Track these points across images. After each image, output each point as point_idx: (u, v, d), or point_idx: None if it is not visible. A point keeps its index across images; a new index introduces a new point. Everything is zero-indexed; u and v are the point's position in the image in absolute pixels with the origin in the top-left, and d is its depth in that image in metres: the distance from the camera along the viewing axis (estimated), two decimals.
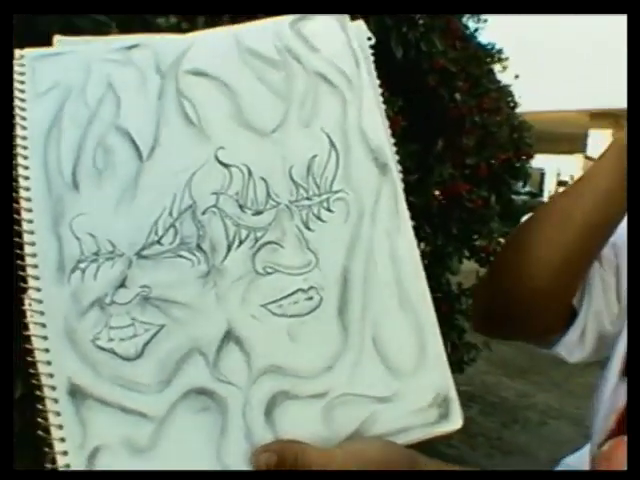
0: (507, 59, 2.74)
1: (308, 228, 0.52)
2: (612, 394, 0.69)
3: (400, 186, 0.55)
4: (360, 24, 0.59)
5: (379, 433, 0.50)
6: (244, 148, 0.53)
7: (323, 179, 0.53)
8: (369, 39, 0.58)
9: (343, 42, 0.57)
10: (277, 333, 0.50)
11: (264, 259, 0.51)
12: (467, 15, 2.43)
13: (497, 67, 2.65)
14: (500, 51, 2.69)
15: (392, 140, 0.56)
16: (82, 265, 0.48)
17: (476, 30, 2.51)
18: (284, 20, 0.58)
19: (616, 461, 0.67)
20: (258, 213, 0.51)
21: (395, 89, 1.46)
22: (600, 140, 13.07)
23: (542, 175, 18.22)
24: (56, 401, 0.46)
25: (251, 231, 0.51)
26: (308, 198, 0.52)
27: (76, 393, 0.46)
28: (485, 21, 2.54)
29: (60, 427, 0.46)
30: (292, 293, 0.51)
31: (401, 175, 0.55)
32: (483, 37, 2.61)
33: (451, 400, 0.52)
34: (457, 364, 2.37)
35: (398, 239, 0.53)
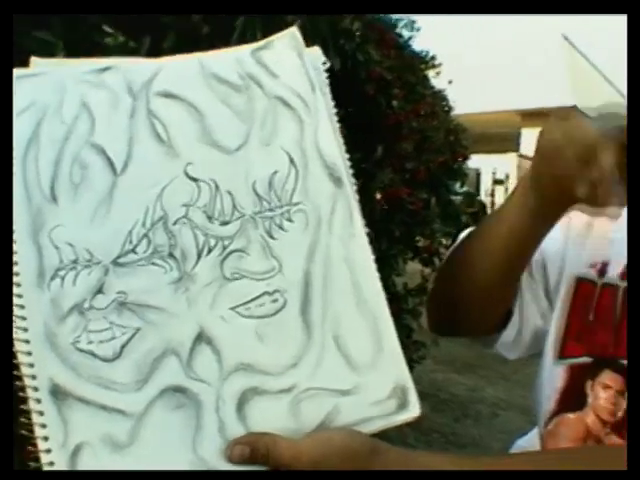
0: (440, 65, 2.83)
1: (271, 237, 0.56)
2: (549, 377, 0.76)
3: (354, 197, 0.60)
4: (316, 50, 0.64)
5: (343, 424, 0.54)
6: (211, 164, 0.56)
7: (284, 192, 0.57)
8: (324, 64, 0.63)
9: (300, 68, 0.62)
10: (245, 334, 0.54)
11: (231, 266, 0.55)
12: (401, 24, 2.52)
13: (431, 73, 2.75)
14: (433, 57, 2.79)
15: (347, 155, 0.61)
16: (61, 273, 0.51)
17: (410, 38, 2.60)
18: (245, 49, 0.63)
19: (561, 437, 0.74)
20: (225, 224, 0.55)
21: (335, 100, 1.51)
22: (532, 138, 13.51)
23: (478, 175, 18.68)
24: (39, 401, 0.49)
25: (219, 240, 0.55)
26: (270, 210, 0.57)
27: (58, 393, 0.49)
28: (418, 29, 2.63)
29: (43, 426, 0.49)
30: (258, 296, 0.55)
31: (355, 186, 0.60)
32: (417, 45, 2.71)
33: (408, 390, 0.57)
34: (406, 362, 2.42)
35: (353, 245, 0.58)
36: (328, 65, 0.62)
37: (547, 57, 11.89)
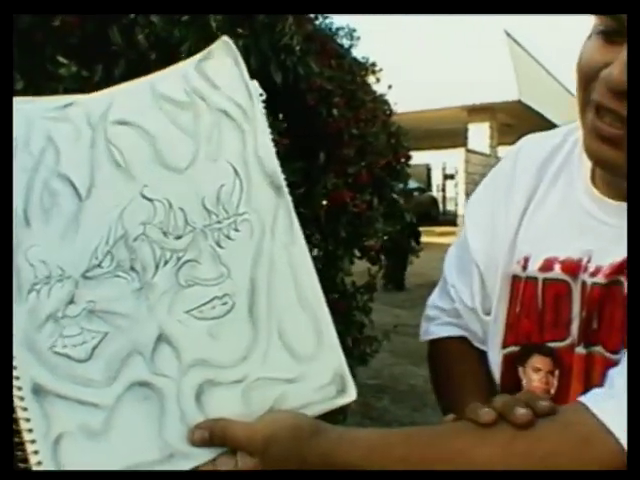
0: (381, 70, 2.92)
1: (220, 246, 0.64)
2: (494, 367, 0.84)
3: (292, 203, 0.67)
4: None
5: (290, 408, 0.63)
6: (164, 185, 0.64)
7: (230, 204, 0.65)
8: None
9: (238, 77, 0.69)
10: (200, 333, 0.62)
11: (186, 274, 0.63)
12: (342, 33, 2.61)
13: (372, 79, 2.84)
14: (374, 64, 2.88)
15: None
16: (37, 287, 0.59)
17: (350, 47, 2.68)
18: (190, 62, 0.70)
19: None
20: (178, 237, 0.63)
21: (277, 111, 1.60)
22: (479, 133, 13.82)
23: (429, 170, 18.96)
24: (22, 399, 0.56)
25: (174, 252, 0.63)
26: (219, 222, 0.65)
27: (39, 391, 0.57)
28: (358, 38, 2.72)
29: (27, 420, 0.56)
30: (210, 300, 0.63)
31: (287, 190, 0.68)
32: (358, 52, 2.79)
33: (346, 377, 0.66)
34: (361, 357, 2.53)
35: (294, 249, 0.66)
36: (264, 96, 0.69)
37: (491, 54, 12.22)
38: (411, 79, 11.15)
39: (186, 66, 0.69)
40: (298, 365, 0.64)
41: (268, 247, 0.65)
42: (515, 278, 0.81)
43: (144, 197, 0.63)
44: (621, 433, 0.57)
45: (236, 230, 0.65)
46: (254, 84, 0.70)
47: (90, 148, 0.63)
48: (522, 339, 0.80)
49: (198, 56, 0.70)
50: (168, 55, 1.33)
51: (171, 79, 0.69)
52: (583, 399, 0.62)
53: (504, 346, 0.82)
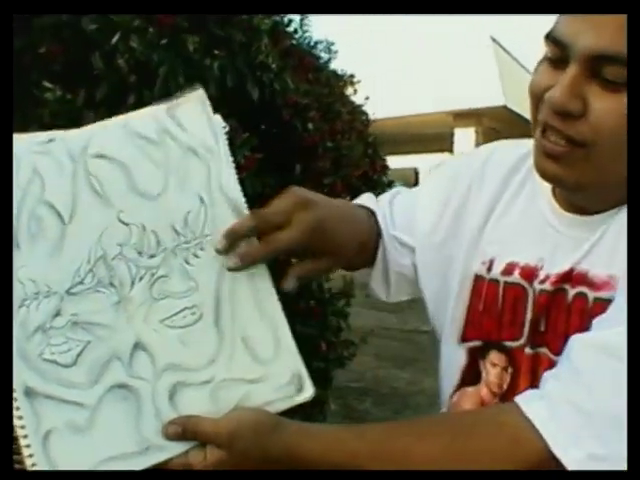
0: (359, 82, 3.01)
1: (188, 263, 0.73)
2: (454, 358, 0.90)
3: None
4: (217, 116, 0.79)
5: (253, 406, 0.72)
6: (138, 210, 0.73)
7: (196, 227, 0.74)
8: (224, 127, 0.78)
9: (205, 120, 0.78)
10: (172, 340, 0.71)
11: (158, 289, 0.72)
12: (320, 47, 2.69)
13: (350, 90, 2.93)
14: (352, 75, 2.97)
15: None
16: (27, 302, 0.67)
17: (329, 60, 2.77)
18: (162, 107, 0.78)
19: (462, 407, 0.88)
20: (152, 256, 0.72)
21: (253, 126, 1.67)
22: (464, 138, 13.92)
23: (416, 173, 19.06)
24: (16, 400, 0.65)
25: (148, 269, 0.71)
26: (187, 242, 0.73)
27: (30, 393, 0.65)
28: (336, 52, 2.80)
29: (20, 418, 0.64)
30: (180, 311, 0.72)
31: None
32: (337, 65, 2.87)
33: (303, 377, 0.74)
34: (338, 360, 2.61)
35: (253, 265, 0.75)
36: (227, 129, 0.78)
37: (477, 59, 12.33)
38: (398, 85, 11.27)
39: (158, 109, 0.78)
40: (260, 367, 0.73)
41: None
42: (478, 278, 0.87)
43: (121, 221, 0.72)
44: (547, 433, 0.63)
45: (202, 249, 0.73)
46: (217, 118, 0.78)
47: (72, 179, 0.71)
48: (483, 335, 0.86)
49: (170, 103, 0.78)
50: (147, 77, 1.41)
51: (144, 119, 0.77)
52: (517, 399, 0.68)
53: (464, 339, 0.88)
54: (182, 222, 0.74)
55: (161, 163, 0.75)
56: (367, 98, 3.02)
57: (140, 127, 0.76)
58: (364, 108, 3.04)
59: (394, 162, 3.87)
